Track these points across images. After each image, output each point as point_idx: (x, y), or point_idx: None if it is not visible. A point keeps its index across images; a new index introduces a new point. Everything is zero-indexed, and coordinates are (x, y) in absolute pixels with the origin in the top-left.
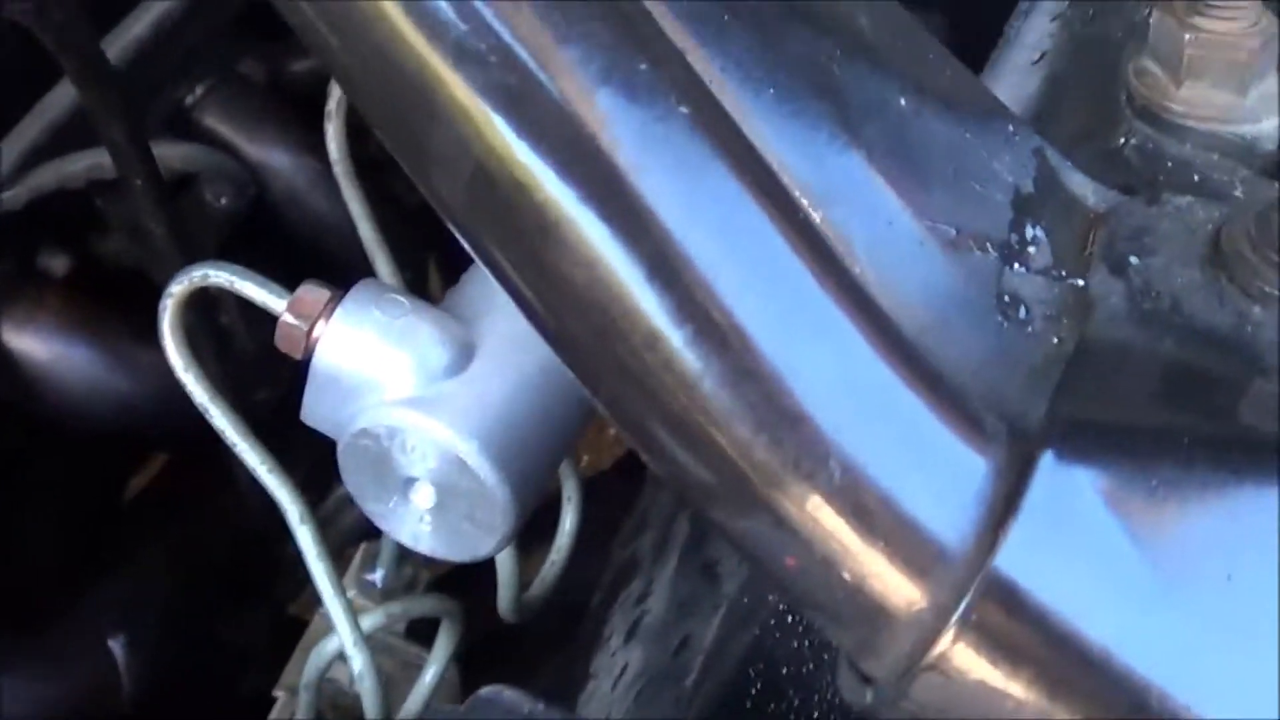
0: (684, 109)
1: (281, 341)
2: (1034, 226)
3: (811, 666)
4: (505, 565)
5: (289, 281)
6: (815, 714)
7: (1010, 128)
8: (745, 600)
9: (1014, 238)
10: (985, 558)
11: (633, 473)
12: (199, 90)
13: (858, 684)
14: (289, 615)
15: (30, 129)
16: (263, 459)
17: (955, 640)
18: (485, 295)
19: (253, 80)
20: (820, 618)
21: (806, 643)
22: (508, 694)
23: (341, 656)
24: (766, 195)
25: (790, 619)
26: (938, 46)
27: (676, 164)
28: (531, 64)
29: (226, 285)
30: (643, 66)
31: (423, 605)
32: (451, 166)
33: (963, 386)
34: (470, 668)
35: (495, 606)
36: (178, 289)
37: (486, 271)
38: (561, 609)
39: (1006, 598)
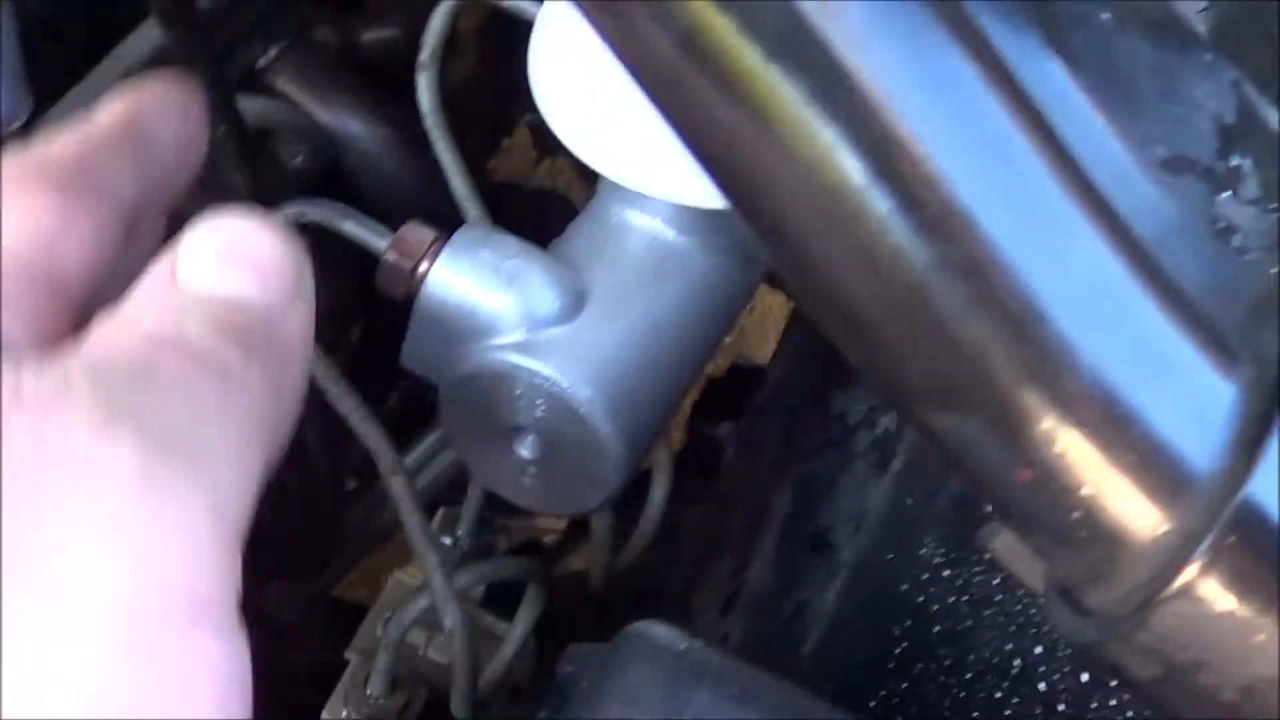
0: None
1: (383, 281)
2: (1241, 157)
3: (969, 623)
4: (601, 528)
5: (353, 247)
6: (969, 674)
7: (1208, 57)
8: (875, 562)
9: (1221, 166)
10: (1239, 481)
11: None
12: (272, 52)
13: (1074, 617)
14: (333, 596)
15: (106, 75)
16: (356, 405)
17: (1204, 570)
18: (594, 244)
19: (326, 46)
20: (1043, 541)
21: (964, 598)
22: (660, 629)
23: (431, 612)
24: (1000, 80)
25: (947, 573)
26: None
27: (905, 34)
28: None
29: (324, 222)
30: None
31: (511, 567)
32: (659, 26)
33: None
34: (543, 639)
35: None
36: None
37: (595, 219)
38: (632, 587)
39: (1260, 524)
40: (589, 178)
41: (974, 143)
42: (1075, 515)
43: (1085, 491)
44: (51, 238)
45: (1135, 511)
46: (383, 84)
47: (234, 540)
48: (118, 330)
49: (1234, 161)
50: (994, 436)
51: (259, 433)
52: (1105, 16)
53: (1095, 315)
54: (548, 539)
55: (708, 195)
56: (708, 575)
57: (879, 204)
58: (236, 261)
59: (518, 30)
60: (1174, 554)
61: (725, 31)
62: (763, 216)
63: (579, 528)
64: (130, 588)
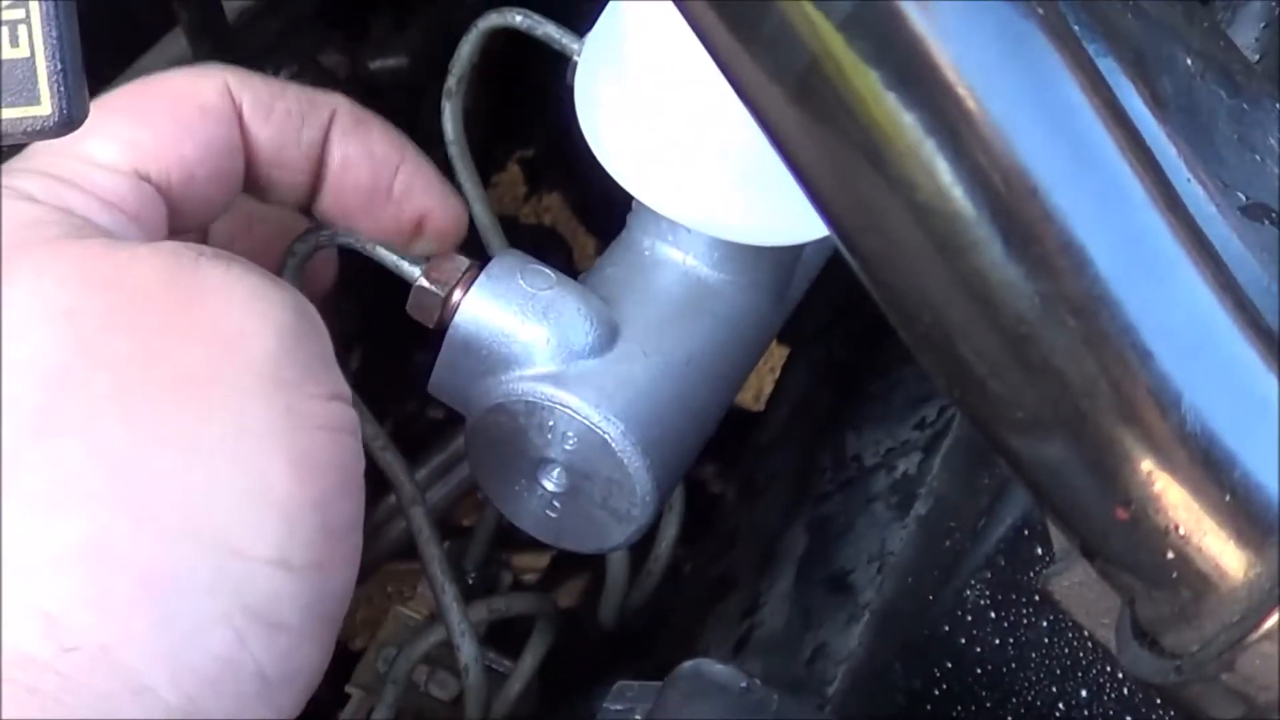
0: (1041, 11)
1: (415, 309)
2: None
3: (1014, 666)
4: (617, 566)
5: (359, 267)
6: (1009, 718)
7: (1278, 106)
8: (906, 604)
9: None
10: None
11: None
12: (282, 76)
13: (1153, 658)
14: None
15: None
16: (376, 434)
17: None
18: (627, 277)
19: (334, 72)
20: (1131, 580)
21: (1010, 640)
22: (718, 668)
23: (436, 648)
24: (1115, 120)
25: (994, 615)
26: (1209, 16)
27: (1027, 71)
28: None
29: (355, 247)
30: None
31: (523, 603)
32: (784, 54)
33: None
34: (542, 678)
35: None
36: (301, 249)
37: (627, 252)
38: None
39: None
40: (578, 214)
41: (1091, 181)
42: (1168, 555)
43: (1180, 532)
44: (148, 152)
45: (1228, 553)
46: (390, 112)
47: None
48: None
49: None
50: (1092, 473)
51: None
52: (1189, 62)
53: (1200, 357)
54: (527, 577)
55: (744, 231)
56: (715, 615)
57: (994, 237)
58: None
59: (510, 68)
60: (1264, 596)
61: (850, 61)
62: (871, 246)
63: (560, 565)
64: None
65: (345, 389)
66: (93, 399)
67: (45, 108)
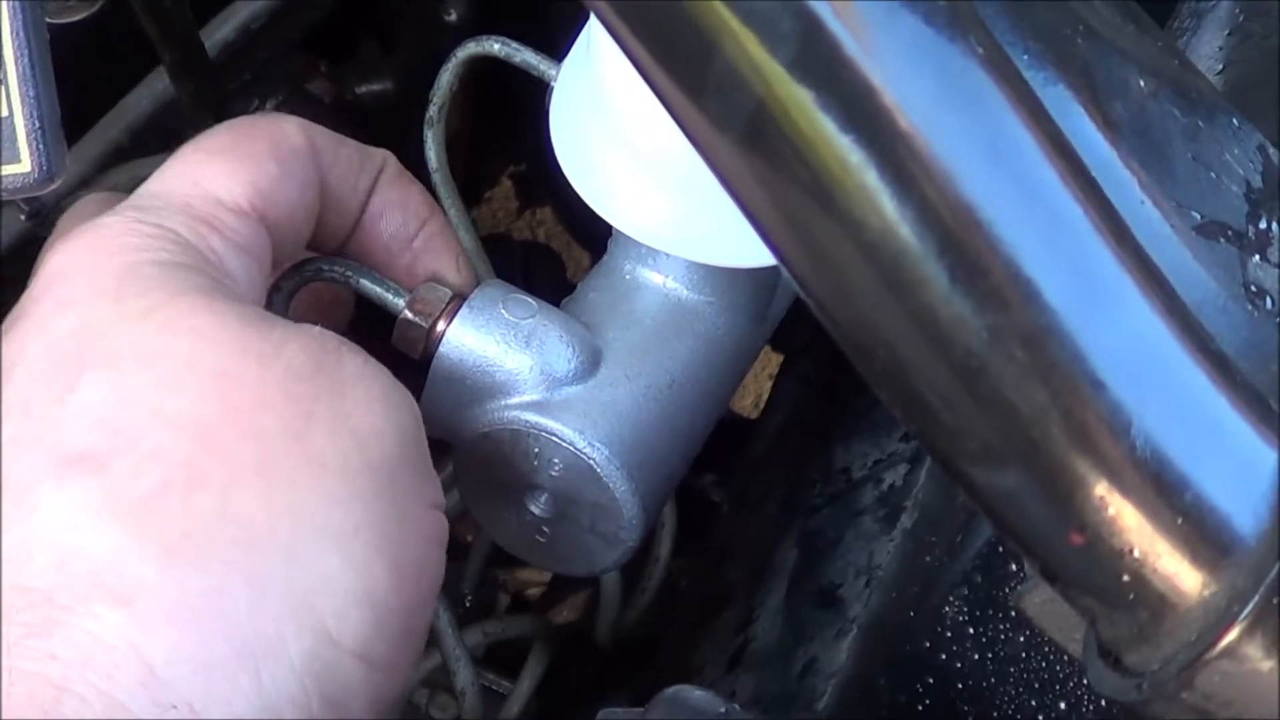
0: (981, 50)
1: (400, 341)
2: (1269, 221)
3: (993, 680)
4: (610, 586)
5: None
6: None
7: (1235, 121)
8: (891, 619)
9: (1251, 230)
10: None
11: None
12: (269, 105)
13: (1116, 676)
14: None
15: (109, 130)
16: None
17: (1249, 630)
18: (608, 302)
19: (321, 99)
20: (1090, 602)
21: (989, 656)
22: (697, 694)
23: (436, 671)
24: (1058, 150)
25: (972, 630)
26: (1163, 34)
27: (971, 105)
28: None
29: (340, 280)
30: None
31: (518, 626)
32: (731, 99)
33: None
34: (540, 695)
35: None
36: (287, 285)
37: (608, 276)
38: (630, 641)
39: None
40: (571, 229)
41: (1036, 213)
42: (1124, 578)
43: (1135, 555)
44: (263, 192)
45: (1183, 574)
46: (378, 136)
47: None
48: None
49: (1262, 225)
50: (1046, 500)
51: None
52: (1141, 83)
53: (1149, 383)
54: (531, 592)
55: (722, 253)
56: (710, 630)
57: (943, 271)
58: None
59: (501, 85)
60: (1220, 615)
61: (797, 104)
62: (824, 285)
63: (562, 580)
64: None
65: (442, 496)
66: (238, 465)
67: (25, 165)
